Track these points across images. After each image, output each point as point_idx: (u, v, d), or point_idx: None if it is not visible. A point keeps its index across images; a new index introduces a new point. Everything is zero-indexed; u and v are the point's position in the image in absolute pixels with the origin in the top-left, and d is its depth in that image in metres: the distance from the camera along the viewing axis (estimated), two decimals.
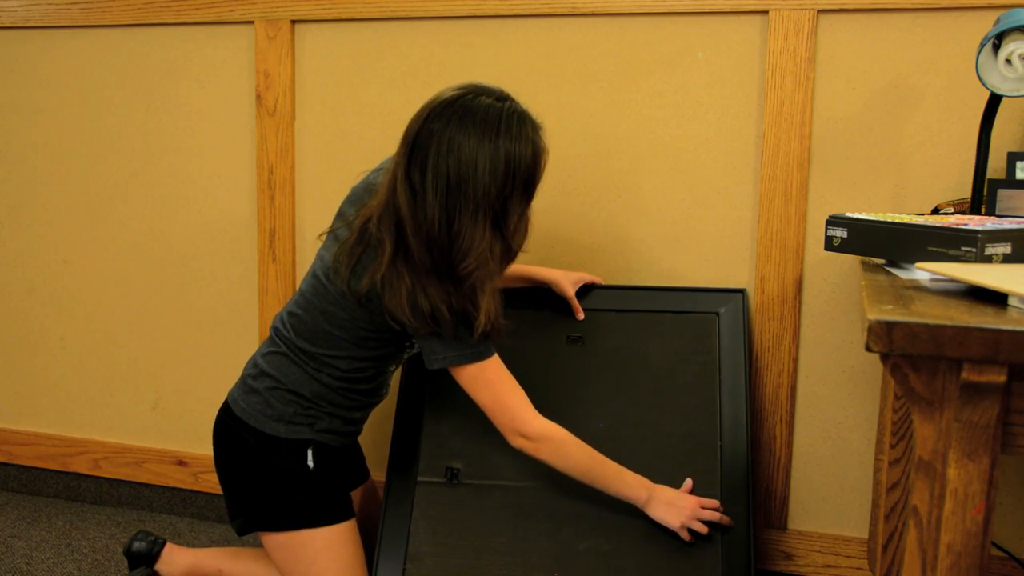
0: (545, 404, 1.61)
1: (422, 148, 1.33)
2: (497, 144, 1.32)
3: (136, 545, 1.71)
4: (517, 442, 1.44)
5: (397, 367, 1.61)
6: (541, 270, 1.71)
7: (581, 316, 1.70)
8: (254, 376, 1.53)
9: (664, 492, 1.49)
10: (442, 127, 1.33)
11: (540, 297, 1.72)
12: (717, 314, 1.69)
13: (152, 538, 1.72)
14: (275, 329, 1.55)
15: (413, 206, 1.33)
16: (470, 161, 1.31)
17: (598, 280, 1.75)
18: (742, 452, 1.57)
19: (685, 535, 1.47)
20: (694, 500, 1.49)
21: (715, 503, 1.51)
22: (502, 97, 1.39)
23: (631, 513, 1.52)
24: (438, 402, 1.65)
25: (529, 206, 1.41)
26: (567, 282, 1.69)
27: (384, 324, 1.43)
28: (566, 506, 1.55)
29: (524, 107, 1.40)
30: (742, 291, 1.71)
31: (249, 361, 1.57)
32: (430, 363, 1.43)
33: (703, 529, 1.47)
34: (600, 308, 1.72)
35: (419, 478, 1.59)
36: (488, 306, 1.37)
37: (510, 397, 1.44)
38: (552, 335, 1.70)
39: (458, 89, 1.38)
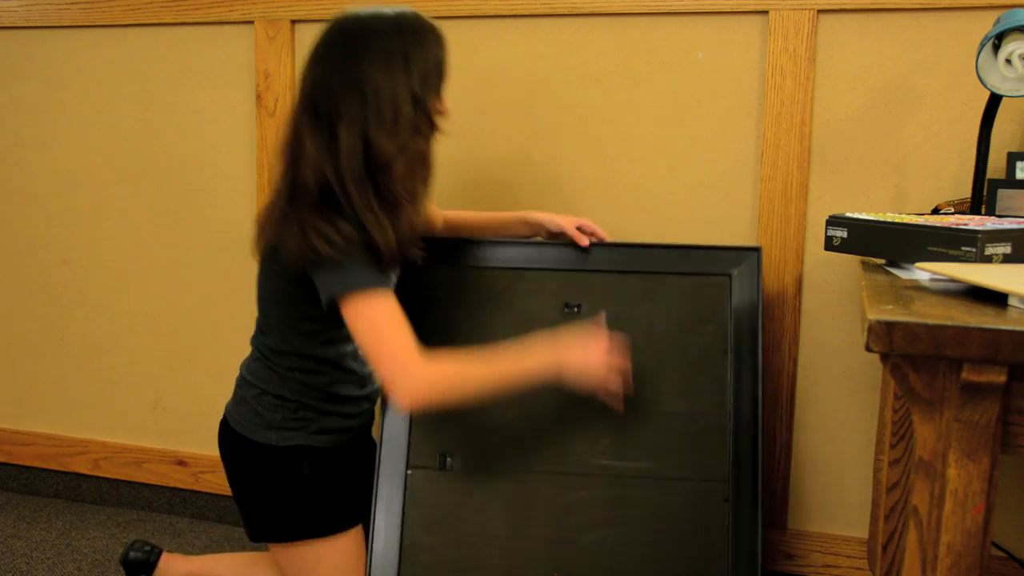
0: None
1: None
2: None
3: (132, 555, 1.69)
4: (404, 401, 1.28)
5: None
6: (535, 213, 1.62)
7: (585, 242, 1.57)
8: (241, 386, 1.51)
9: (570, 356, 1.32)
10: None
11: (537, 256, 1.59)
12: (729, 276, 1.54)
13: (148, 547, 1.70)
14: (253, 337, 1.54)
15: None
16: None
17: (600, 232, 1.60)
18: (753, 438, 1.48)
19: (605, 389, 1.37)
20: (603, 359, 1.33)
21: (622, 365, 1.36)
22: None
23: (636, 505, 1.46)
24: None
25: None
26: (564, 220, 1.58)
27: (299, 287, 1.34)
28: (567, 495, 1.49)
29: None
30: (757, 249, 1.55)
31: (238, 373, 1.56)
32: (324, 301, 1.31)
33: (616, 394, 1.38)
34: (600, 269, 1.57)
35: (409, 468, 1.51)
36: (395, 223, 1.29)
37: (393, 339, 1.27)
38: (547, 302, 1.57)
39: None
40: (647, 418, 1.50)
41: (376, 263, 1.30)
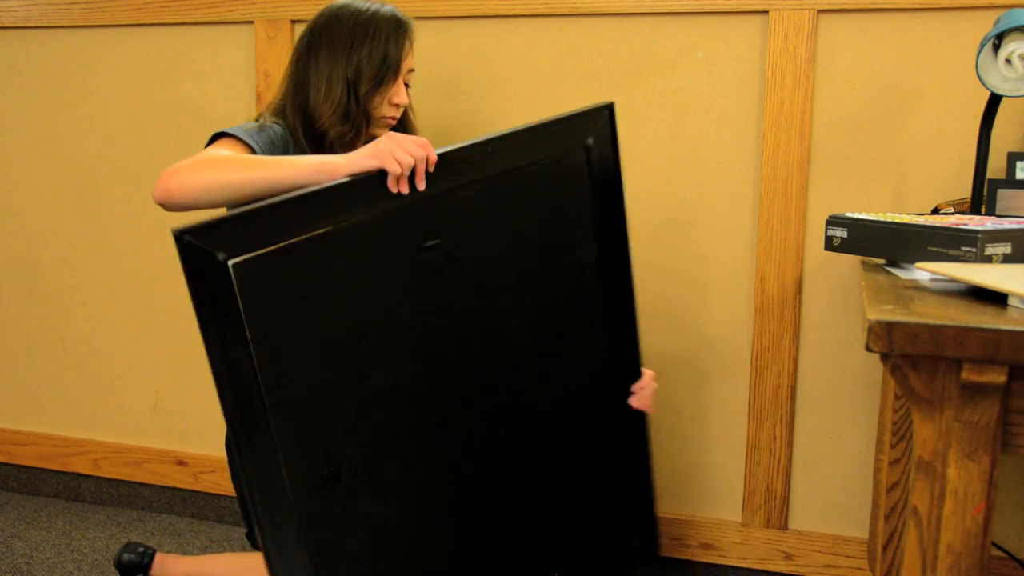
0: (402, 363, 1.19)
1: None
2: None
3: (126, 557, 1.69)
4: (156, 190, 1.24)
5: None
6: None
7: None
8: None
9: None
10: None
11: (366, 194, 1.17)
12: (586, 147, 1.28)
13: (141, 549, 1.70)
14: None
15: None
16: None
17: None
18: (627, 323, 1.31)
19: (392, 166, 1.15)
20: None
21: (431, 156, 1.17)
22: None
23: (542, 451, 1.33)
24: (288, 385, 1.13)
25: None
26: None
27: None
28: (470, 470, 1.27)
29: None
30: (609, 105, 1.29)
31: None
32: None
33: (403, 160, 1.15)
34: (446, 189, 1.20)
35: (291, 493, 1.15)
36: None
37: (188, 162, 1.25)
38: (397, 247, 1.18)
39: None
40: (528, 347, 1.29)
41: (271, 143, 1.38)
